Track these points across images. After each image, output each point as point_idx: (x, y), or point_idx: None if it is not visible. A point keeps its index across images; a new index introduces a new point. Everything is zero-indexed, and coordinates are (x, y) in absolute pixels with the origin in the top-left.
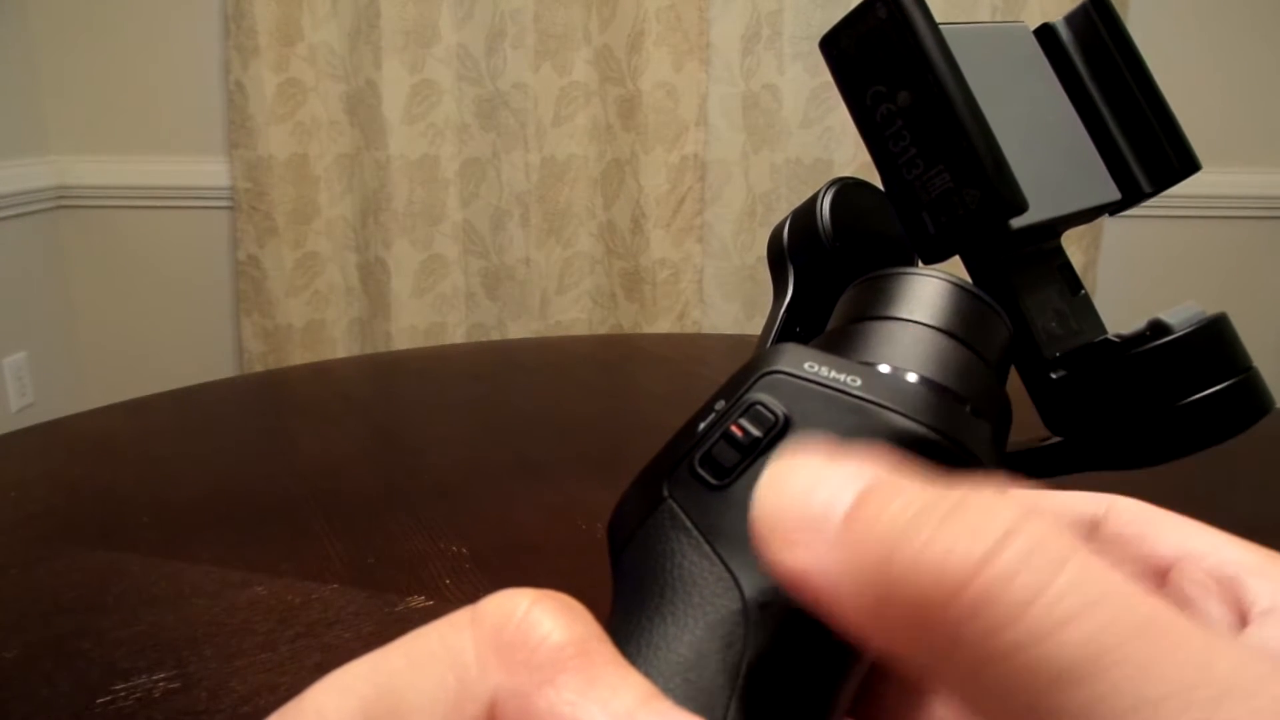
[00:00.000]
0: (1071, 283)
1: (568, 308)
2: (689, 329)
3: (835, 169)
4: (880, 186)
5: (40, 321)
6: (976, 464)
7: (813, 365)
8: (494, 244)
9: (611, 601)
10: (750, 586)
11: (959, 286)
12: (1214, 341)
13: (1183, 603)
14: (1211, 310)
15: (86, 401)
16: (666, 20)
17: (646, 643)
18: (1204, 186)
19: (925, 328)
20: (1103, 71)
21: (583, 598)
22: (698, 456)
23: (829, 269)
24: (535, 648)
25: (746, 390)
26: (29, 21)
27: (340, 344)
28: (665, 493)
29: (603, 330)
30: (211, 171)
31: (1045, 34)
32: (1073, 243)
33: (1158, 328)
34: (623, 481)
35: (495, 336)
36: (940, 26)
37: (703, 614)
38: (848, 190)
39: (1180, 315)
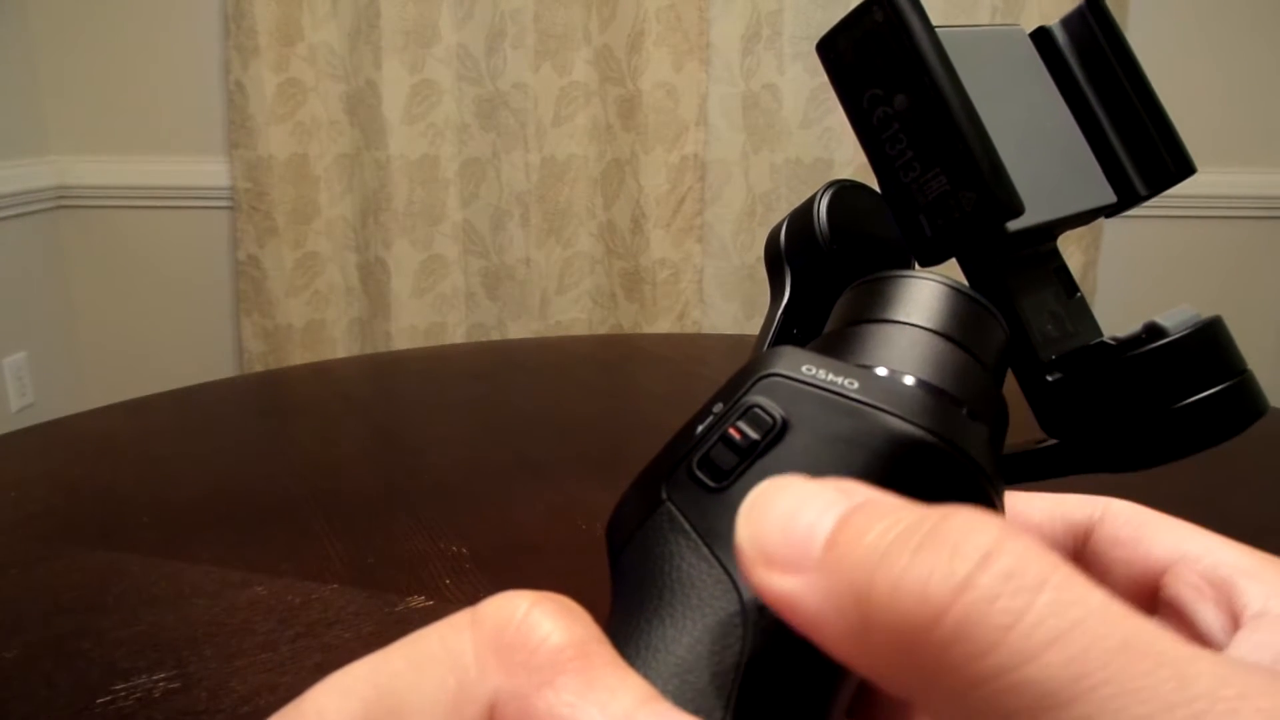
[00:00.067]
0: (1068, 285)
1: (568, 308)
2: (689, 329)
3: (835, 169)
4: (877, 189)
5: (40, 321)
6: (973, 467)
7: (810, 368)
8: (494, 244)
9: (610, 603)
10: (748, 589)
11: (956, 289)
12: (1209, 344)
13: (1177, 606)
14: (1208, 312)
15: (86, 401)
16: (666, 20)
17: (645, 644)
18: (1203, 187)
19: (922, 330)
20: (1098, 75)
21: (582, 598)
22: (696, 459)
23: (826, 271)
24: (534, 650)
25: (744, 393)
26: (29, 21)
27: (340, 344)
28: (664, 495)
29: (603, 330)
30: (211, 171)
31: (1041, 37)
32: (1072, 243)
33: (1153, 331)
34: (623, 482)
35: (495, 336)
36: (937, 29)
37: (701, 616)
38: (845, 193)
39: (1175, 318)
